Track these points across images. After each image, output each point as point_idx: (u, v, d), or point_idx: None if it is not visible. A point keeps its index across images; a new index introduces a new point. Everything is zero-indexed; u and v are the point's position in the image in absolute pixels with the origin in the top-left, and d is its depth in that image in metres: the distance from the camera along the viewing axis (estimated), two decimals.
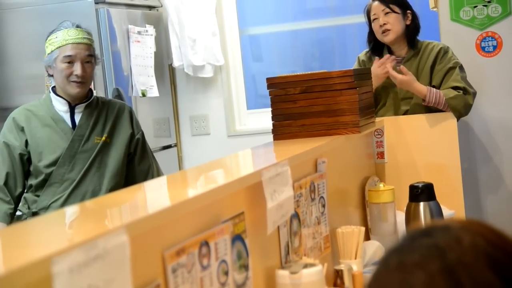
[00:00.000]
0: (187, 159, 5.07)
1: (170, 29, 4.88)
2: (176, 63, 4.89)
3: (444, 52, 3.55)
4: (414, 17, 3.62)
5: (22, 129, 3.12)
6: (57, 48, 3.07)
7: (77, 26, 3.11)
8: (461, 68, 3.54)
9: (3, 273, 1.06)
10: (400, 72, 3.44)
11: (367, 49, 3.70)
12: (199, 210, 1.70)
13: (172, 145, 4.99)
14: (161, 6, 4.93)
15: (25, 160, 3.12)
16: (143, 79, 4.51)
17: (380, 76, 3.48)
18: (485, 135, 4.08)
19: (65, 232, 1.50)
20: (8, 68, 4.37)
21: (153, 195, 1.97)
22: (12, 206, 3.10)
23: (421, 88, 3.40)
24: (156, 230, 1.52)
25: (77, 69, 3.06)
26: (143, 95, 4.50)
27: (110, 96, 4.17)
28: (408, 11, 3.60)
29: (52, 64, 3.10)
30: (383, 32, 3.56)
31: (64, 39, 3.07)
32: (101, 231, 1.29)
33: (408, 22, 3.58)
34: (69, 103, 3.14)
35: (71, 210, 1.81)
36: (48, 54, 3.10)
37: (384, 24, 3.55)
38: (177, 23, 4.85)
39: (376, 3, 3.59)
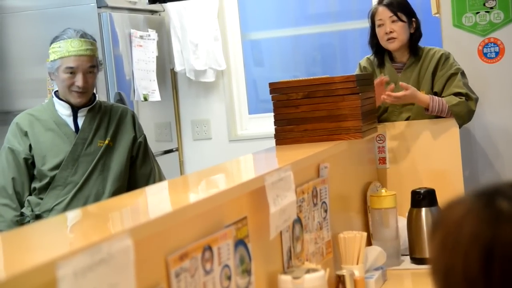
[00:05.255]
0: (188, 164, 5.07)
1: (172, 34, 4.89)
2: (178, 68, 4.90)
3: (445, 58, 3.52)
4: (418, 24, 3.57)
5: (26, 134, 3.13)
6: (59, 58, 3.07)
7: (81, 36, 3.09)
8: (463, 74, 3.51)
9: (5, 277, 1.07)
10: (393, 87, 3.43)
11: (368, 55, 3.66)
12: (202, 215, 1.70)
13: (174, 149, 4.99)
14: (164, 10, 4.94)
15: (30, 164, 3.13)
16: (145, 83, 4.52)
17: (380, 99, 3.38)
18: (487, 141, 4.08)
19: (69, 236, 1.50)
20: (10, 72, 4.37)
21: (156, 199, 1.97)
22: (19, 213, 3.11)
23: (424, 98, 3.35)
24: (159, 235, 1.52)
25: (79, 80, 3.07)
26: (145, 99, 4.50)
27: (112, 101, 4.17)
28: (413, 19, 3.55)
29: (55, 73, 3.11)
30: (389, 39, 3.51)
31: (67, 50, 3.06)
32: (105, 235, 1.30)
33: (412, 30, 3.54)
34: (72, 107, 3.15)
35: (75, 215, 1.81)
36: (51, 61, 3.11)
37: (391, 32, 3.49)
38: (179, 27, 4.86)
39: (383, 8, 3.51)
